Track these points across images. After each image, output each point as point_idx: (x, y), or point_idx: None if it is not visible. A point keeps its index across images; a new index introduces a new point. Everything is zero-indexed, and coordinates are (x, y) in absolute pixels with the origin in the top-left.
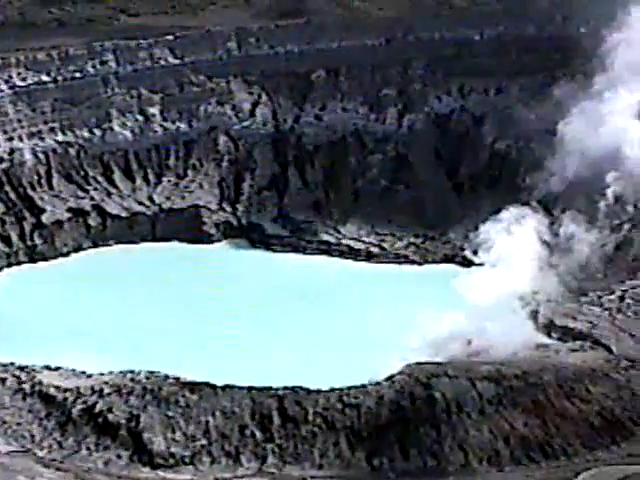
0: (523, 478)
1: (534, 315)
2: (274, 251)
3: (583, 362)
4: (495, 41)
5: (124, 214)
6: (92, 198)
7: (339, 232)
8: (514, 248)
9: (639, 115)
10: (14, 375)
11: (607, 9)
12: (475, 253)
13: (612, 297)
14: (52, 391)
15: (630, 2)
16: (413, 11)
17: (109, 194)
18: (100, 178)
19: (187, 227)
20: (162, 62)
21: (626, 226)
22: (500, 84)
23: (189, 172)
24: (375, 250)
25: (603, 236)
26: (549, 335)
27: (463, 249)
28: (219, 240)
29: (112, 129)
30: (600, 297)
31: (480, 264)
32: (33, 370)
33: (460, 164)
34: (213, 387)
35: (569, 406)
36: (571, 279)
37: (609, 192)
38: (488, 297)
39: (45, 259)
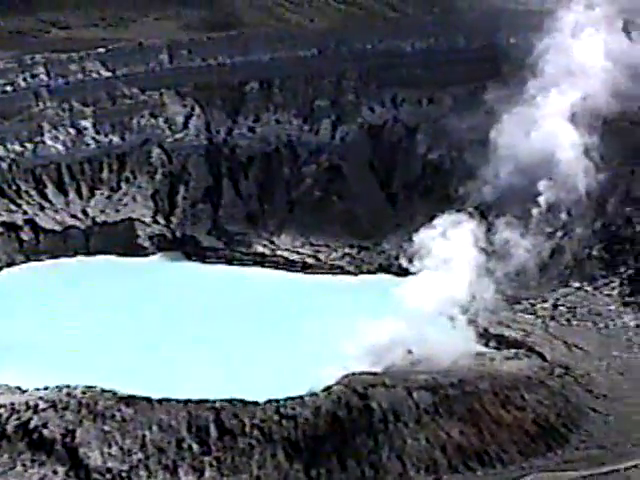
0: None
1: (471, 323)
2: (209, 263)
3: (518, 370)
4: (426, 52)
5: (57, 228)
6: (25, 212)
7: (274, 243)
8: (450, 254)
9: (571, 118)
10: None
11: (535, 19)
12: (411, 261)
13: (545, 305)
14: None
15: (558, 7)
16: (345, 22)
17: (42, 208)
18: (33, 192)
19: (121, 240)
20: (94, 75)
21: (559, 234)
22: (432, 95)
23: (122, 185)
24: (310, 261)
25: (537, 244)
26: (485, 344)
27: (398, 259)
28: (153, 253)
29: (44, 143)
30: (534, 305)
31: (415, 273)
32: None
33: (394, 174)
34: (149, 401)
35: (505, 414)
36: (507, 286)
37: (542, 200)
38: (426, 304)
39: None
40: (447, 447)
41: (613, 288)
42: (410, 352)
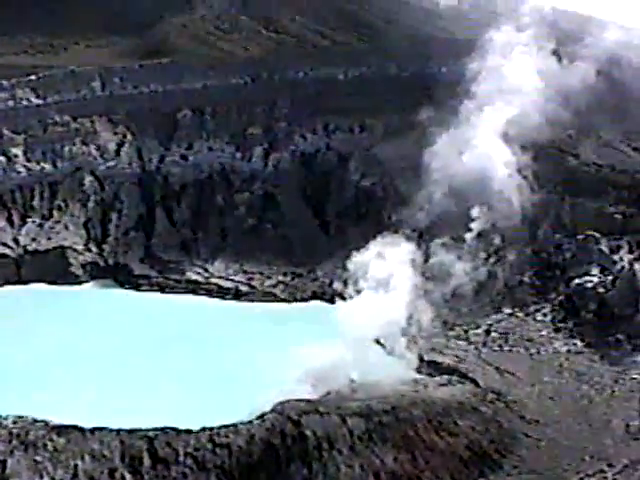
0: None
1: (409, 347)
2: (142, 291)
3: (451, 396)
4: (358, 80)
5: None
6: None
7: (207, 271)
8: (386, 277)
9: (504, 138)
10: None
11: (466, 47)
12: (346, 286)
13: (478, 331)
14: None
15: (489, 29)
16: (277, 51)
17: None
18: None
19: (53, 269)
20: (25, 102)
21: (492, 259)
22: (364, 122)
23: (54, 213)
24: (244, 288)
25: (470, 269)
26: (419, 370)
27: (331, 285)
28: (86, 281)
29: None
30: (467, 331)
31: (350, 298)
32: None
33: (327, 202)
34: (81, 430)
35: (438, 440)
36: (442, 310)
37: (475, 225)
38: (364, 328)
39: None
40: (381, 474)
41: (544, 314)
42: (353, 381)
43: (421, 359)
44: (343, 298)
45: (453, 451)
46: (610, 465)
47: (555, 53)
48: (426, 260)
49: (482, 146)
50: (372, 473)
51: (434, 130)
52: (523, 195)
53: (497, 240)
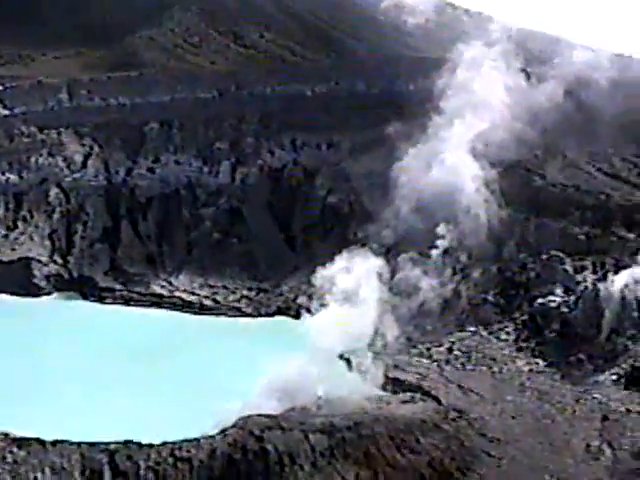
0: None
1: (370, 366)
2: (106, 304)
3: (413, 413)
4: (326, 96)
5: None
6: None
7: (172, 284)
8: (351, 292)
9: (472, 153)
10: None
11: (434, 65)
12: (311, 300)
13: (441, 349)
14: None
15: (458, 47)
16: (246, 65)
17: None
18: None
19: (17, 280)
20: None
21: (457, 277)
22: (331, 139)
23: (19, 224)
24: (208, 303)
25: (434, 286)
26: (382, 387)
27: (296, 301)
28: (50, 293)
29: None
30: (429, 349)
31: (315, 313)
32: None
33: (293, 217)
34: (42, 443)
35: (400, 457)
36: (407, 327)
37: (440, 242)
38: (329, 343)
39: None
40: None
41: (507, 333)
42: (319, 397)
43: (385, 376)
44: (308, 313)
45: (415, 468)
46: None
47: (523, 72)
48: (392, 275)
49: (450, 161)
50: None
51: (402, 146)
52: (490, 211)
53: (463, 257)
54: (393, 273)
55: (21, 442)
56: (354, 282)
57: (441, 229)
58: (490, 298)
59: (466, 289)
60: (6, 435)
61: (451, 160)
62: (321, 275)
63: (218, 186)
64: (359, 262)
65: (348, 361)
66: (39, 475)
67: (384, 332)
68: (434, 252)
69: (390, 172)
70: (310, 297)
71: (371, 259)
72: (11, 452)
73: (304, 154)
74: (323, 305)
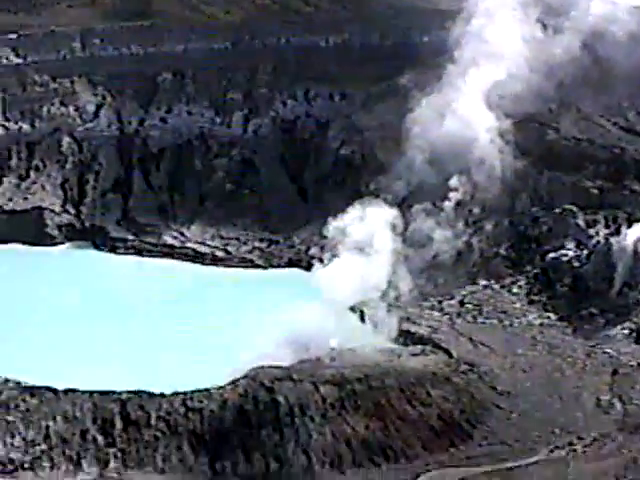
0: None
1: (382, 318)
2: (118, 254)
3: (424, 366)
4: (340, 48)
5: None
6: None
7: (184, 235)
8: (364, 243)
9: (487, 102)
10: None
11: (448, 17)
12: (323, 251)
13: (452, 302)
14: None
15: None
16: (260, 16)
17: None
18: None
19: (29, 229)
20: (4, 61)
21: (469, 230)
22: (345, 90)
23: (32, 173)
24: (220, 254)
25: (447, 239)
26: (393, 339)
27: (308, 253)
28: (62, 242)
29: None
30: (441, 302)
31: (327, 264)
32: None
33: (305, 169)
34: (54, 391)
35: (410, 409)
36: (419, 279)
37: (453, 195)
38: (342, 293)
39: None
40: (352, 442)
41: (519, 287)
42: (332, 349)
43: (397, 328)
44: (321, 263)
45: (424, 420)
46: (580, 438)
47: (540, 23)
48: (405, 226)
49: (463, 111)
50: (343, 440)
51: (415, 96)
52: (504, 162)
53: (475, 210)
54: (406, 224)
55: (33, 390)
56: (367, 233)
57: (454, 181)
58: (502, 251)
59: (478, 242)
60: (18, 383)
61: (465, 111)
62: (333, 226)
63: (230, 137)
64: (372, 213)
65: (361, 313)
66: (51, 423)
67: (397, 284)
68: (447, 204)
69: (403, 123)
70: (322, 249)
71: (384, 210)
72: (24, 400)
73: (317, 106)
74: (335, 256)
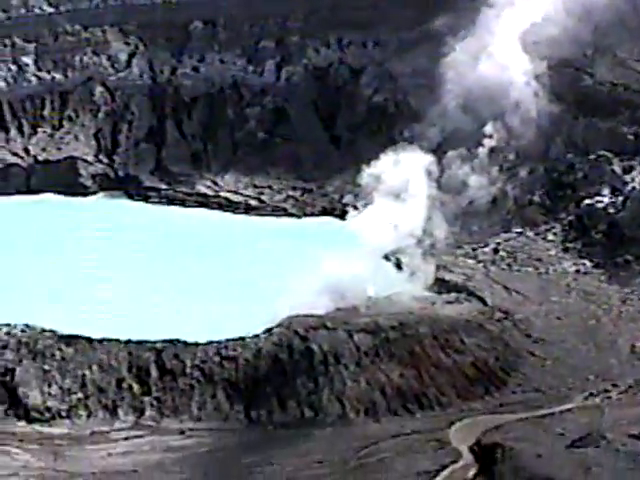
0: (399, 428)
1: (417, 266)
2: (151, 203)
3: (458, 314)
4: None
5: None
6: None
7: (217, 184)
8: (402, 188)
9: (522, 46)
10: None
11: None
12: (357, 198)
13: (487, 250)
14: None
15: None
16: None
17: None
18: None
19: (63, 179)
20: (37, 10)
21: (503, 177)
22: (378, 37)
23: (65, 123)
24: (254, 203)
25: (481, 185)
26: (427, 287)
27: (342, 201)
28: (95, 192)
29: None
30: (475, 250)
31: (361, 211)
32: None
33: (338, 117)
34: (89, 340)
35: (444, 357)
36: (453, 227)
37: (487, 141)
38: (379, 240)
39: None
40: (386, 389)
41: (554, 234)
42: (370, 297)
43: (433, 276)
44: (355, 210)
45: (459, 368)
46: (614, 385)
47: None
48: (440, 172)
49: (499, 55)
50: (378, 388)
51: (450, 41)
52: (539, 105)
53: (510, 156)
54: (441, 171)
55: (69, 340)
56: (402, 179)
57: (489, 128)
58: (536, 198)
59: (512, 189)
60: (54, 333)
61: (500, 54)
62: (368, 173)
63: (263, 85)
64: (407, 159)
65: (396, 261)
66: (87, 372)
67: (431, 231)
68: (481, 150)
69: (437, 69)
70: (356, 196)
71: (419, 156)
72: (59, 349)
73: (350, 52)
74: (370, 204)
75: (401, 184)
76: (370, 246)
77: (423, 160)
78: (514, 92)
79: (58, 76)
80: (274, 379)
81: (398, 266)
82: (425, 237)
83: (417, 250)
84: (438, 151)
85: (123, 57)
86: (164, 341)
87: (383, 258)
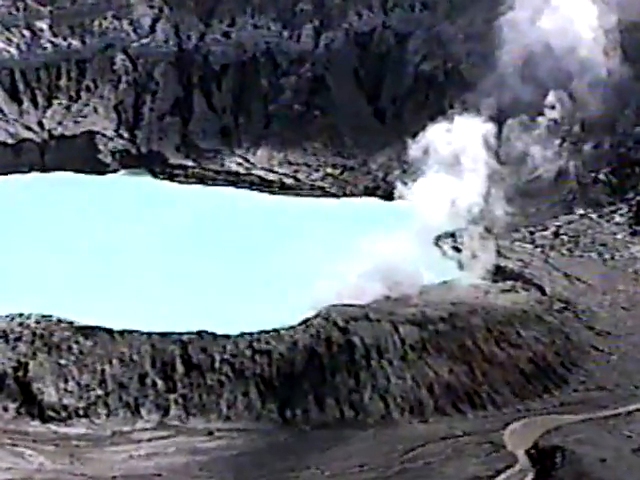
0: (448, 430)
1: (469, 251)
2: (177, 182)
3: (514, 304)
4: None
5: (10, 141)
6: None
7: (249, 161)
8: (459, 156)
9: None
10: None
11: None
12: (404, 175)
13: (545, 233)
14: None
15: None
16: None
17: None
18: None
19: (80, 155)
20: None
21: (565, 152)
22: None
23: (82, 94)
24: (289, 181)
25: (540, 163)
26: (480, 274)
27: (386, 180)
28: (116, 170)
29: None
30: (533, 233)
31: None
32: None
33: (382, 87)
34: (109, 332)
35: (498, 352)
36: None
37: (549, 112)
38: (426, 224)
39: None
40: (434, 387)
41: (621, 215)
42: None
43: (492, 261)
44: (402, 191)
45: (514, 364)
46: None
47: None
48: (498, 145)
49: (563, 7)
50: (425, 385)
51: (504, 8)
52: (607, 68)
53: (575, 128)
54: (499, 143)
55: (87, 331)
56: (455, 153)
57: (551, 97)
58: (602, 177)
59: (575, 166)
60: (71, 323)
61: (565, 6)
62: (417, 147)
63: (300, 52)
64: (461, 129)
65: (453, 243)
66: (107, 367)
67: (486, 211)
68: (542, 120)
69: (493, 32)
70: (404, 172)
71: (474, 125)
72: (77, 342)
73: (395, 16)
74: (418, 183)
75: (454, 157)
76: (421, 226)
77: (480, 129)
78: (581, 51)
79: (75, 43)
80: (311, 375)
81: (457, 249)
82: (479, 218)
83: (475, 231)
84: (495, 122)
85: (146, 22)
86: (191, 333)
87: (435, 240)
